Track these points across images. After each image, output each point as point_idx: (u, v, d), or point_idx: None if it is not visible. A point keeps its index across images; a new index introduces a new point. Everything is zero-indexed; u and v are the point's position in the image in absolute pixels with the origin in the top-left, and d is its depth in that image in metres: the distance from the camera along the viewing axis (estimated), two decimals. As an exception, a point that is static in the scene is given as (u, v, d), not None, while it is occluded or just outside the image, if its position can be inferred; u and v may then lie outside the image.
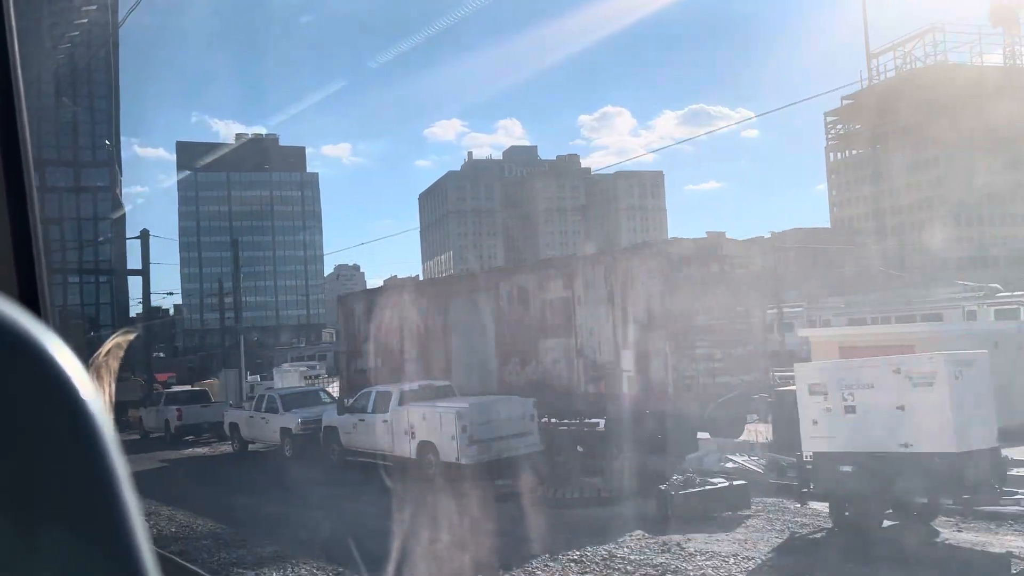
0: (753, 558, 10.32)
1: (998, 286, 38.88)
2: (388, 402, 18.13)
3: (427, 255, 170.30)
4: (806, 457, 11.58)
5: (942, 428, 10.32)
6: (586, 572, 10.13)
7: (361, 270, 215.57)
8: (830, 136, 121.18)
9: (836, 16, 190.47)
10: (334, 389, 27.92)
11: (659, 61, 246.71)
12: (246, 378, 37.46)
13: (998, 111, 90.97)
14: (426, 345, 22.36)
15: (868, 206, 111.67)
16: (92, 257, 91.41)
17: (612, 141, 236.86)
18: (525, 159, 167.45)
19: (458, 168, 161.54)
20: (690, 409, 16.24)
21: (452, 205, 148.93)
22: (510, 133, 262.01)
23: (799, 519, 12.09)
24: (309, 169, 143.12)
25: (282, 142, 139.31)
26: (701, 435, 16.72)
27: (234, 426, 24.79)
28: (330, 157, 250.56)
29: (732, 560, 10.20)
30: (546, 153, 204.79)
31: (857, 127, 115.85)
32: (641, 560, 10.38)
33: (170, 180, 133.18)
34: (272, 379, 40.88)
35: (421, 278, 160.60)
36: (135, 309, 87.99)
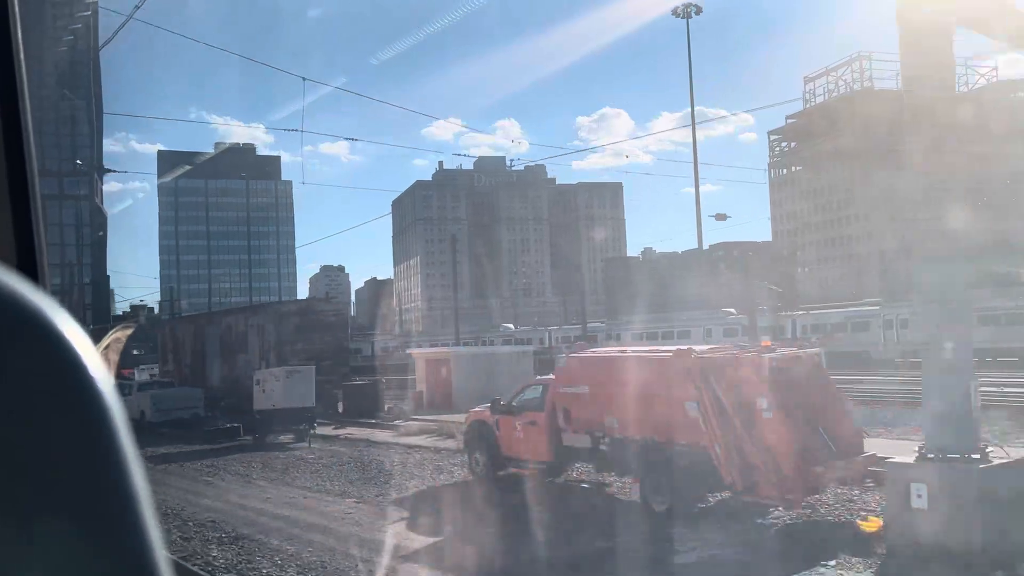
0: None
1: (731, 310, 52.46)
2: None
3: (398, 260, 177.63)
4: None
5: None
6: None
7: (346, 271, 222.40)
8: (773, 154, 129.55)
9: (835, 17, 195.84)
10: None
11: (658, 63, 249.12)
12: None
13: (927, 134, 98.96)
14: (192, 360, 41.54)
15: (797, 222, 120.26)
16: (74, 258, 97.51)
17: (610, 142, 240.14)
18: (494, 169, 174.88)
19: (455, 167, 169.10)
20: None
21: (419, 213, 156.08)
22: (508, 134, 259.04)
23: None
24: (310, 167, 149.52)
25: (278, 141, 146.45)
26: None
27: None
28: (328, 155, 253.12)
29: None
30: (544, 154, 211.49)
31: (793, 145, 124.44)
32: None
33: (153, 185, 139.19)
34: None
35: (393, 280, 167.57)
36: (120, 308, 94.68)
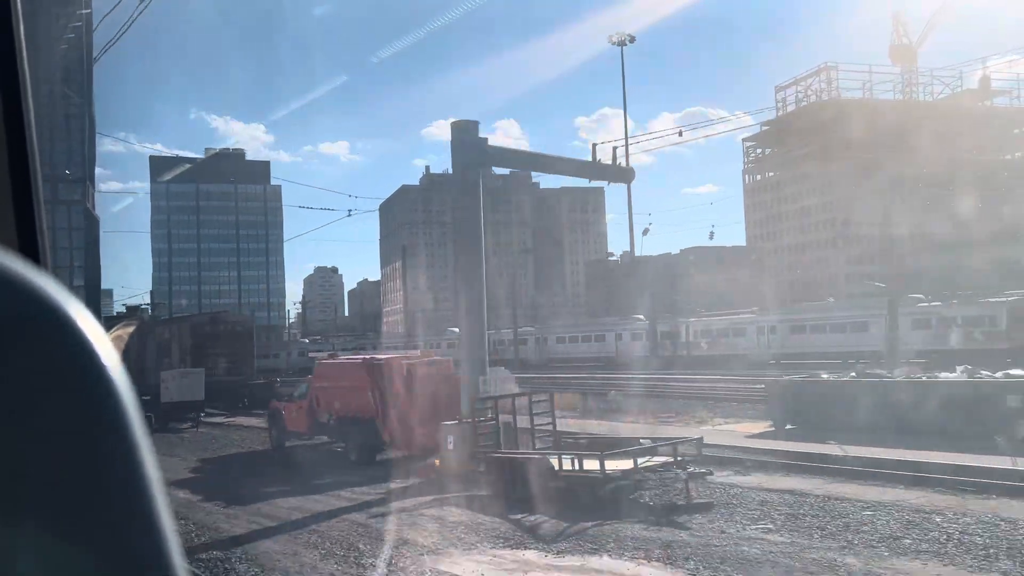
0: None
1: (639, 316, 61.38)
2: None
3: (384, 262, 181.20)
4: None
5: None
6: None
7: (340, 272, 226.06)
8: (748, 160, 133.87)
9: (835, 19, 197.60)
10: None
11: (657, 64, 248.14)
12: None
13: (884, 142, 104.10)
14: (135, 362, 44.50)
15: (768, 227, 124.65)
16: (67, 262, 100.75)
17: (609, 143, 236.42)
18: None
19: (448, 171, 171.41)
20: None
21: (404, 217, 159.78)
22: (508, 134, 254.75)
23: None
24: (309, 167, 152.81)
25: (279, 140, 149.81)
26: None
27: None
28: (327, 155, 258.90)
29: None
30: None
31: (768, 151, 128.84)
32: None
33: (146, 189, 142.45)
34: None
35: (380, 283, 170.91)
36: (116, 311, 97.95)
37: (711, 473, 15.10)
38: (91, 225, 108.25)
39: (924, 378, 21.75)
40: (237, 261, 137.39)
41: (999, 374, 19.94)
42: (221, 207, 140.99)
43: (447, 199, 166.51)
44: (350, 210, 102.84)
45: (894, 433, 17.62)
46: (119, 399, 0.69)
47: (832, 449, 17.21)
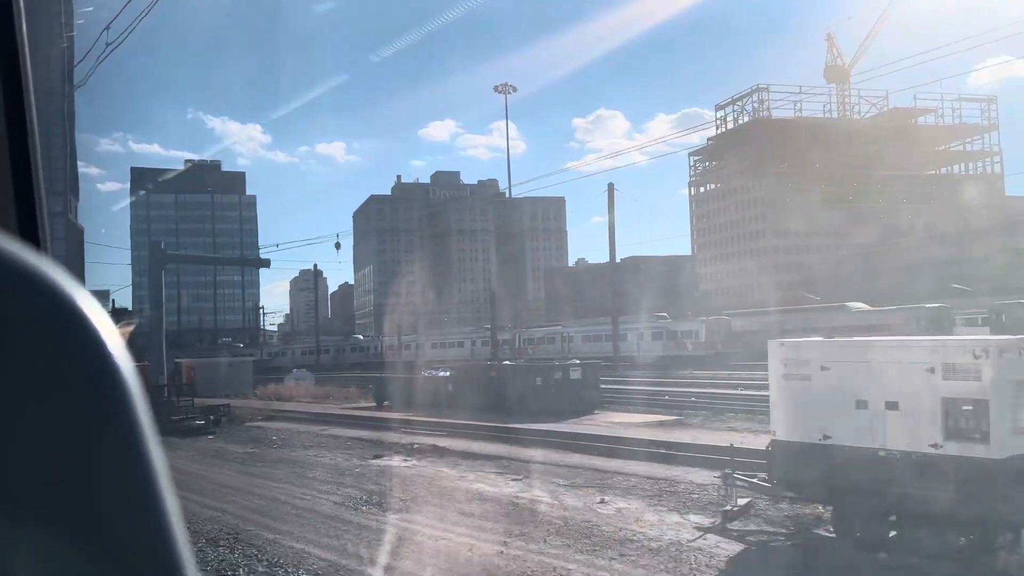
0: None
1: (506, 326, 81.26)
2: None
3: (357, 268, 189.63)
4: None
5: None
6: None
7: (324, 275, 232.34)
8: (693, 172, 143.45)
9: (836, 22, 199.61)
10: None
11: (654, 64, 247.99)
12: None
13: (809, 158, 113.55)
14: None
15: (707, 236, 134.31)
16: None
17: (606, 144, 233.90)
18: (449, 182, 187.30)
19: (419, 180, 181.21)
20: None
21: (374, 225, 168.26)
22: (504, 135, 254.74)
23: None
24: (305, 168, 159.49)
25: (274, 140, 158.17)
26: None
27: None
28: (324, 155, 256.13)
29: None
30: (539, 157, 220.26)
31: (711, 164, 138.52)
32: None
33: (126, 200, 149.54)
34: None
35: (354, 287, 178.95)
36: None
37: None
38: (72, 236, 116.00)
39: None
40: (214, 267, 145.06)
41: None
42: (198, 216, 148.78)
43: (413, 208, 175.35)
44: (338, 244, 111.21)
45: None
46: (128, 393, 0.69)
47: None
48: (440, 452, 22.19)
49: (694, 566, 11.20)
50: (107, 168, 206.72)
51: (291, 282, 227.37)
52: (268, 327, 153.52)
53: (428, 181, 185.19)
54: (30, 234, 1.43)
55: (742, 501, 13.86)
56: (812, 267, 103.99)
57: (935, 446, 10.54)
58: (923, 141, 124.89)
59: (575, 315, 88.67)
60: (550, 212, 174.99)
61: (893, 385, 11.16)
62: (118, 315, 64.74)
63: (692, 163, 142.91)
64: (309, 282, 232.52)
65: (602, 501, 15.32)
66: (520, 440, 22.88)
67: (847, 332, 28.70)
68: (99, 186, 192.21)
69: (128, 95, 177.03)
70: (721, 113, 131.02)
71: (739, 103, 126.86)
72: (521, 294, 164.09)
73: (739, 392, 31.07)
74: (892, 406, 11.13)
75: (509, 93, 68.28)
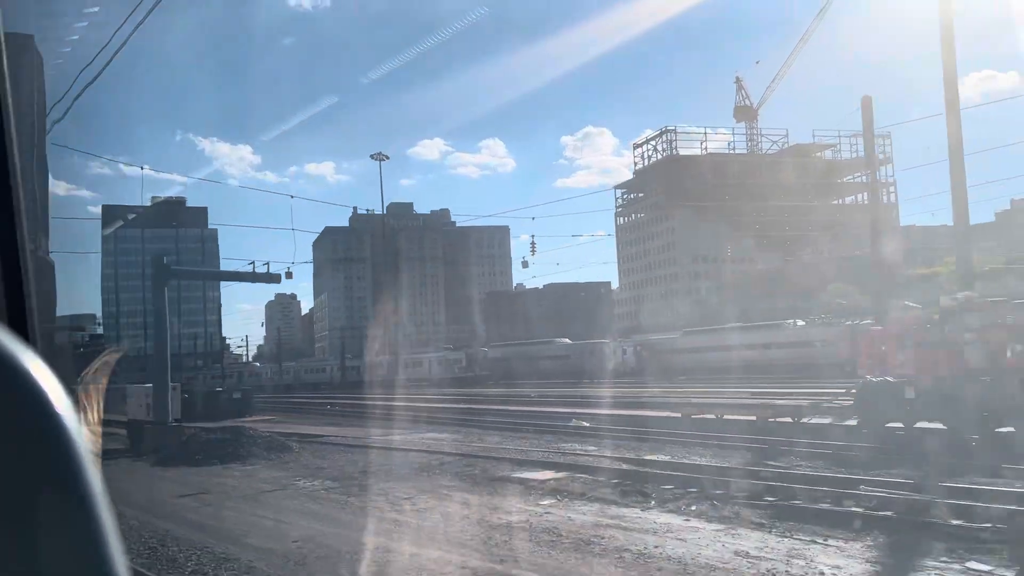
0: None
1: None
2: None
3: (316, 294, 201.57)
4: None
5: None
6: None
7: (298, 299, 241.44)
8: (618, 205, 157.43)
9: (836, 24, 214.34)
10: None
11: (640, 81, 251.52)
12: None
13: (711, 192, 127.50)
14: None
15: (627, 264, 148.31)
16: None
17: (595, 160, 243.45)
18: (402, 212, 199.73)
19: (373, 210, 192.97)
20: None
21: (327, 255, 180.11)
22: (493, 153, 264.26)
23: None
24: (295, 187, 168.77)
25: (264, 161, 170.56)
26: None
27: None
28: (314, 175, 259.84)
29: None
30: (526, 173, 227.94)
31: (634, 196, 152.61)
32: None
33: (97, 235, 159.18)
34: None
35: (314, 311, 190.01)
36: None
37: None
38: (44, 273, 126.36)
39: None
40: (178, 296, 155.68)
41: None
42: (163, 249, 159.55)
43: (366, 238, 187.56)
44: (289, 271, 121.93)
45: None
46: (75, 451, 0.68)
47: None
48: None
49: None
50: (97, 191, 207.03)
51: (266, 305, 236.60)
52: (235, 350, 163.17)
53: (383, 212, 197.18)
54: (18, 320, 1.48)
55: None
56: (712, 291, 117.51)
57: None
58: (820, 174, 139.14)
59: (501, 337, 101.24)
60: (494, 240, 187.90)
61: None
62: (96, 340, 73.74)
63: (618, 195, 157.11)
64: (284, 305, 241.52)
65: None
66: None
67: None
68: (90, 208, 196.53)
69: (118, 118, 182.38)
70: (639, 151, 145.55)
71: (652, 142, 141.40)
72: (467, 316, 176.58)
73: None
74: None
75: (383, 161, 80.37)
